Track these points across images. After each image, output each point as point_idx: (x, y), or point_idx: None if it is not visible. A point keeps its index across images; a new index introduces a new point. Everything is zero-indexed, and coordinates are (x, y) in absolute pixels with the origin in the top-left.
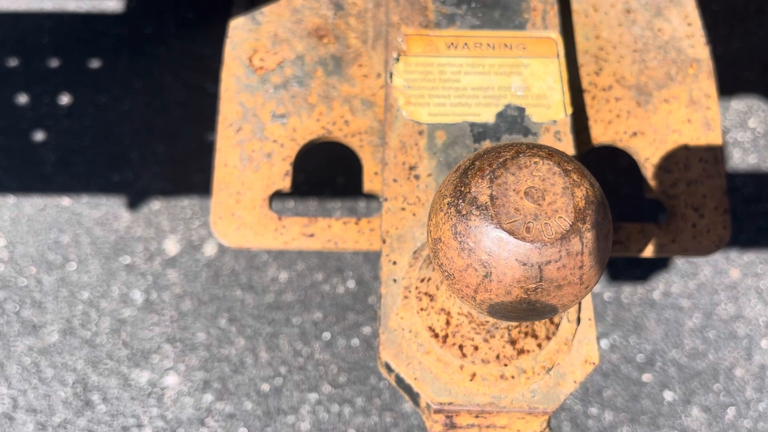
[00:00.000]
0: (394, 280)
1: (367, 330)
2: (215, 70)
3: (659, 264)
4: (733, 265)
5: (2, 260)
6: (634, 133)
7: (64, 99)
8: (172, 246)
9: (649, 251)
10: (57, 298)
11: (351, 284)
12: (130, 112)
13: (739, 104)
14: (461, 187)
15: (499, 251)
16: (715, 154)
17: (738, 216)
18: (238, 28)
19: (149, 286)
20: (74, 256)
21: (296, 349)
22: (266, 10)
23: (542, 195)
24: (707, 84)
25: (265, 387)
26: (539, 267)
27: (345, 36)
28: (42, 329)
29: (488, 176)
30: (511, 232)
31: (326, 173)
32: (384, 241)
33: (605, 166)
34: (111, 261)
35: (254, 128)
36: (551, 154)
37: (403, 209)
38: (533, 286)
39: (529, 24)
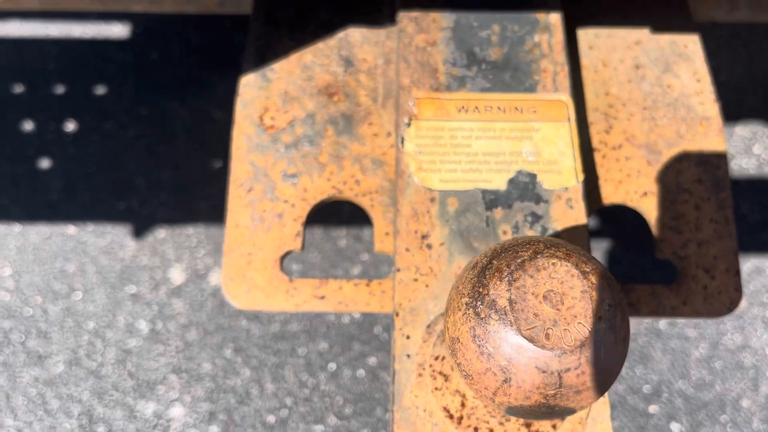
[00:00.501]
0: (408, 356)
1: (372, 360)
2: (220, 97)
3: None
4: None
5: (8, 289)
6: (645, 193)
7: (70, 126)
8: (177, 275)
9: (660, 314)
10: (63, 328)
11: (356, 314)
12: (135, 139)
13: (743, 130)
14: (479, 287)
15: (519, 358)
16: (725, 215)
17: (743, 244)
18: (249, 85)
19: (155, 315)
20: (80, 285)
21: (302, 379)
22: (276, 66)
23: (561, 299)
24: (717, 142)
25: (271, 419)
26: (559, 374)
27: (355, 94)
28: (48, 360)
29: (506, 278)
30: (530, 339)
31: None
32: (397, 314)
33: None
34: (116, 290)
35: (265, 188)
36: (569, 254)
37: (416, 280)
38: (553, 392)
39: (540, 86)
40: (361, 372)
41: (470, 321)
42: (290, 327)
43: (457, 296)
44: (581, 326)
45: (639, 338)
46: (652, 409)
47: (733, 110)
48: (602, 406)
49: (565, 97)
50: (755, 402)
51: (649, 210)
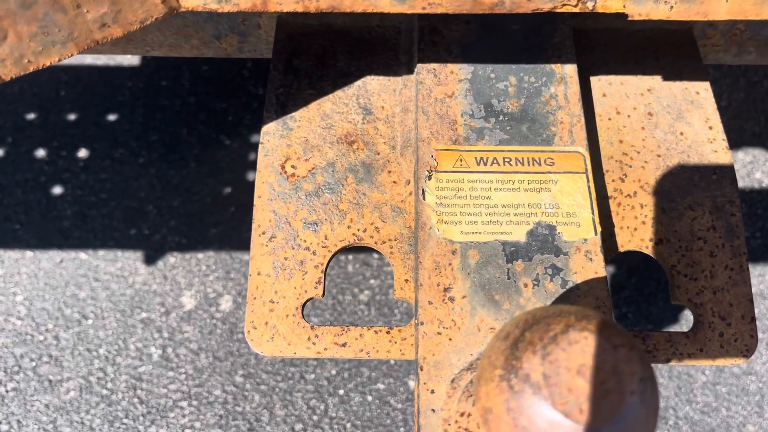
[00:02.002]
0: (433, 410)
1: (381, 386)
2: (230, 123)
3: (670, 318)
4: None
5: (20, 316)
6: (660, 241)
7: (82, 153)
8: (188, 301)
9: (676, 360)
10: (74, 354)
11: None
12: (146, 166)
13: (744, 156)
14: (512, 360)
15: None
16: (740, 262)
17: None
18: (270, 134)
19: (165, 341)
20: (91, 311)
21: (311, 405)
22: (297, 115)
23: (593, 373)
24: (730, 190)
25: None
26: None
27: (374, 142)
28: (59, 386)
29: (540, 352)
30: (565, 414)
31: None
32: (421, 368)
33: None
34: (127, 316)
35: (287, 236)
36: (600, 327)
37: (439, 333)
38: None
39: (557, 138)
40: (369, 398)
41: (504, 393)
42: None
43: (489, 367)
44: (613, 400)
45: None
46: None
47: (734, 136)
48: None
49: (582, 149)
50: (761, 427)
51: (665, 258)
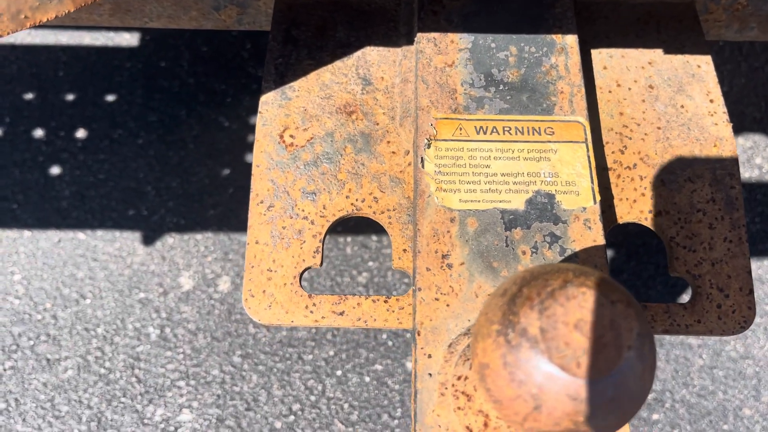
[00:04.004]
0: (430, 375)
1: (378, 367)
2: (229, 104)
3: (669, 302)
4: None
5: (17, 295)
6: (659, 212)
7: (80, 133)
8: (186, 281)
9: (674, 331)
10: (72, 334)
11: None
12: (144, 147)
13: (745, 141)
14: (510, 315)
15: (550, 386)
16: (739, 234)
17: None
18: (269, 103)
19: (163, 321)
20: (89, 290)
21: (309, 386)
22: (296, 85)
23: (591, 328)
24: (730, 163)
25: (278, 424)
26: (589, 401)
27: (373, 112)
28: (57, 365)
29: (537, 307)
30: (562, 368)
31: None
32: (418, 333)
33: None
34: (126, 296)
35: (285, 205)
36: (598, 283)
37: (437, 300)
38: (582, 419)
39: (557, 108)
40: (367, 378)
41: (501, 348)
42: (297, 333)
43: (486, 323)
44: (611, 354)
45: None
46: (656, 417)
47: (735, 121)
48: (624, 428)
49: (582, 119)
50: (757, 411)
51: (664, 229)
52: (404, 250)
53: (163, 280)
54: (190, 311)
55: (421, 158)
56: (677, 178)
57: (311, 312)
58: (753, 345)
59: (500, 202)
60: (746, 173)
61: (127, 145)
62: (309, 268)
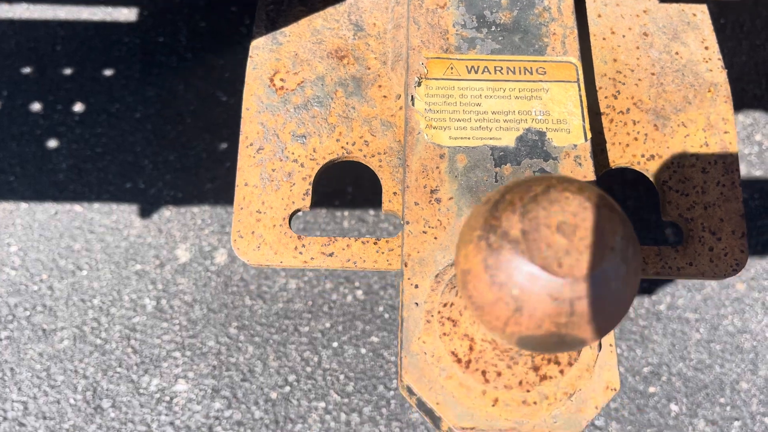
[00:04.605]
0: (416, 304)
1: (374, 339)
2: (227, 79)
3: None
4: (739, 279)
5: (14, 266)
6: (652, 156)
7: (77, 107)
8: (182, 254)
9: (666, 274)
10: (68, 305)
11: (359, 293)
12: (142, 121)
13: (745, 118)
14: (492, 220)
15: (531, 286)
16: (732, 178)
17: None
18: (259, 48)
19: (160, 293)
20: (86, 262)
21: (304, 357)
22: (287, 30)
23: (574, 230)
24: (724, 108)
25: (274, 395)
26: (571, 302)
27: (365, 57)
28: (53, 335)
29: (519, 210)
30: (543, 267)
31: (336, 183)
32: (405, 264)
33: (622, 186)
34: (122, 268)
35: (275, 148)
36: (582, 188)
37: (425, 232)
38: (564, 320)
39: (549, 48)
40: (363, 350)
41: (482, 252)
42: (294, 305)
43: (468, 230)
44: (594, 255)
45: (639, 320)
46: (652, 389)
47: (735, 98)
48: (609, 354)
49: (574, 60)
50: (754, 384)
51: (656, 173)
52: (394, 193)
53: (159, 253)
54: (187, 283)
55: (412, 96)
56: (670, 122)
57: (300, 253)
58: (750, 319)
59: (490, 139)
60: (746, 150)
61: (125, 119)
62: (298, 210)
